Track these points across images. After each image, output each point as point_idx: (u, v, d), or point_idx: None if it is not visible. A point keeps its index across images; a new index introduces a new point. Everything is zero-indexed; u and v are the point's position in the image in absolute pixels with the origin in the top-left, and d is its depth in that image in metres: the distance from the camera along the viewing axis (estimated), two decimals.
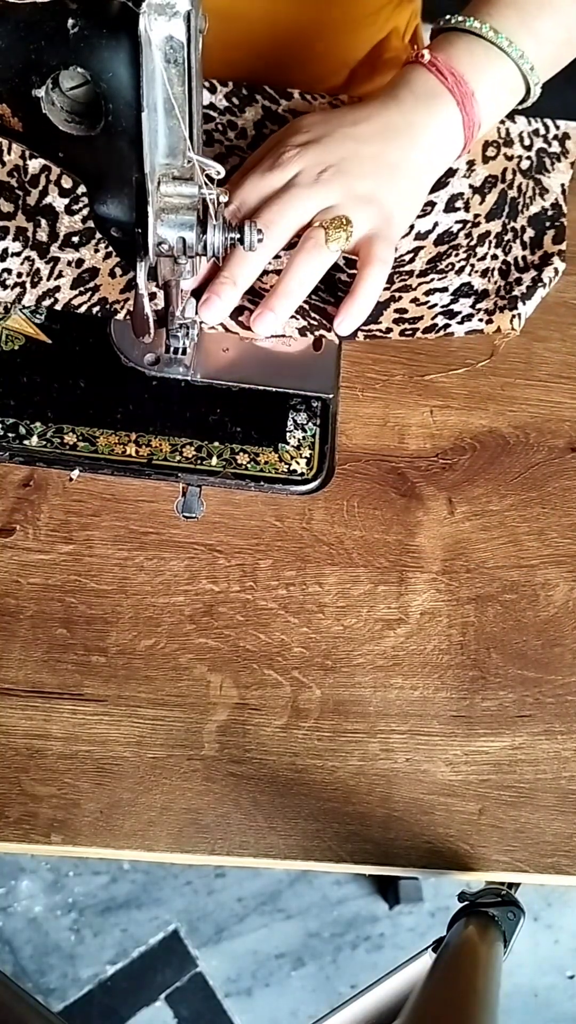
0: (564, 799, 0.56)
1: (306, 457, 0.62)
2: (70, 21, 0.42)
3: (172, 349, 0.61)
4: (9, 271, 0.64)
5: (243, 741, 0.56)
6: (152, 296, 0.56)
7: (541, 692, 0.59)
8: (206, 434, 0.61)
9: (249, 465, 0.61)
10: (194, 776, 0.55)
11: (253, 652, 0.58)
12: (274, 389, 0.63)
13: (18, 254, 0.64)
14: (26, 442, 0.60)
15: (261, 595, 0.59)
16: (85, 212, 0.65)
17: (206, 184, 0.48)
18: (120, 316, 0.63)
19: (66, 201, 0.65)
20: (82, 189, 0.65)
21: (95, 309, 0.63)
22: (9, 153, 0.66)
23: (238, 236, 0.52)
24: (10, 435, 0.60)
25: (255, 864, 0.54)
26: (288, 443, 0.62)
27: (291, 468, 0.61)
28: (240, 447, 0.61)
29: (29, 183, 0.65)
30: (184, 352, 0.61)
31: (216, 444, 0.61)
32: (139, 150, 0.46)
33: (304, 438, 0.62)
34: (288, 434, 0.62)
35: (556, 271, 0.69)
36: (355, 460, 0.63)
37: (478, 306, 0.67)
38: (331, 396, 0.63)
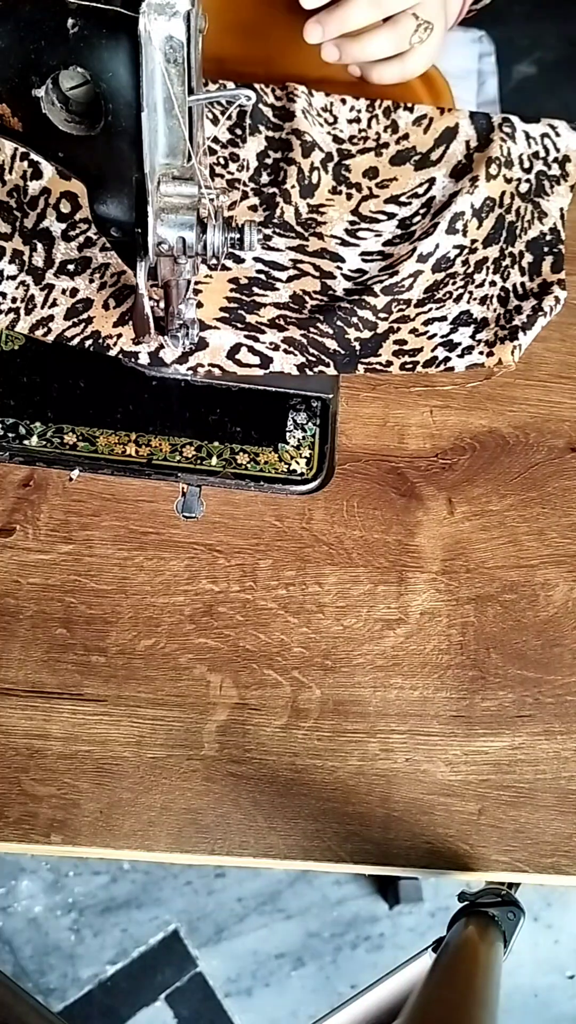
0: (564, 799, 0.56)
1: (306, 457, 0.62)
2: (70, 21, 0.42)
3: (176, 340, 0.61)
4: (4, 295, 0.63)
5: (243, 741, 0.56)
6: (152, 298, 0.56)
7: (541, 692, 0.59)
8: (206, 434, 0.61)
9: (249, 465, 0.61)
10: (194, 776, 0.55)
11: (253, 652, 0.58)
12: (274, 389, 0.63)
13: (13, 277, 0.63)
14: (26, 442, 0.60)
15: (261, 595, 0.59)
16: (82, 240, 0.64)
17: (206, 185, 0.48)
18: (112, 353, 0.62)
19: (63, 226, 0.65)
20: (80, 215, 0.65)
21: (88, 343, 0.62)
22: (10, 172, 0.65)
23: (238, 236, 0.51)
24: (10, 435, 0.60)
25: (255, 864, 0.54)
26: (288, 443, 0.62)
27: (291, 468, 0.61)
28: (240, 447, 0.61)
29: (28, 205, 0.65)
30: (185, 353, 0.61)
31: (216, 444, 0.61)
32: (139, 150, 0.46)
33: (304, 438, 0.62)
34: (288, 434, 0.62)
35: (557, 300, 0.68)
36: (355, 460, 0.63)
37: (478, 336, 0.66)
38: (331, 396, 0.63)
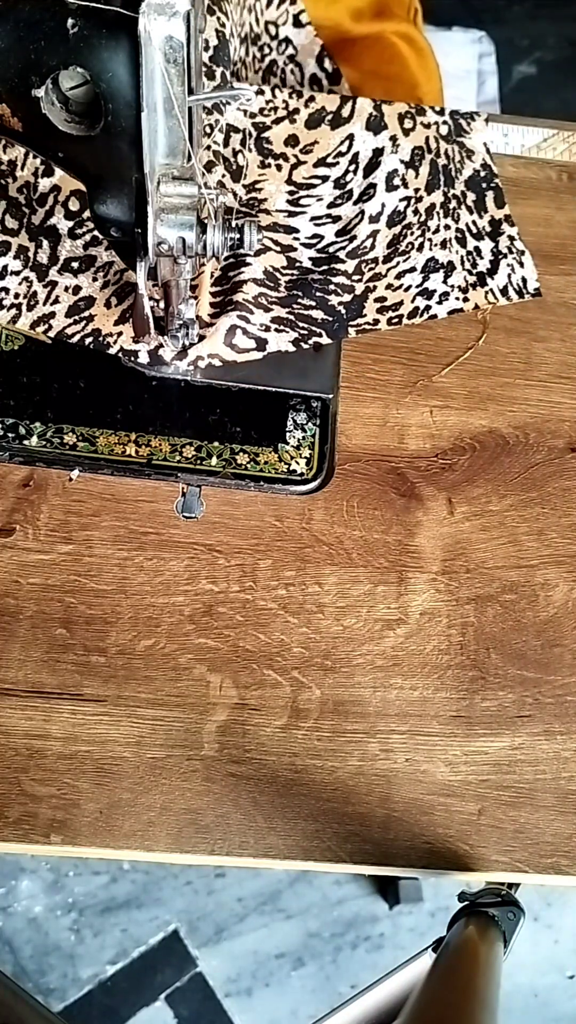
0: (563, 799, 0.56)
1: (306, 457, 0.62)
2: (70, 21, 0.42)
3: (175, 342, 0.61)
4: (7, 290, 0.63)
5: (243, 741, 0.56)
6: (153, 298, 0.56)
7: (540, 692, 0.59)
8: (206, 434, 0.61)
9: (249, 465, 0.61)
10: (194, 776, 0.55)
11: (253, 652, 0.58)
12: (274, 389, 0.63)
13: (17, 273, 0.64)
14: (26, 442, 0.60)
15: (261, 595, 0.59)
16: (88, 238, 0.65)
17: (206, 184, 0.48)
18: (112, 351, 0.62)
19: (70, 224, 0.65)
20: (88, 213, 0.65)
21: (88, 340, 0.62)
22: (21, 169, 0.65)
23: (238, 236, 0.51)
24: (10, 435, 0.60)
25: (255, 864, 0.54)
26: (288, 443, 0.62)
27: (291, 468, 0.61)
28: (240, 447, 0.61)
29: (37, 201, 0.65)
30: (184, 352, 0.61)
31: (216, 444, 0.61)
32: (139, 150, 0.46)
33: (304, 438, 0.62)
34: (288, 434, 0.62)
35: (511, 239, 0.71)
36: (355, 460, 0.63)
37: (449, 282, 0.69)
38: (331, 396, 0.63)
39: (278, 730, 0.56)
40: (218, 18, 0.70)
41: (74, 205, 0.65)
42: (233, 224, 0.52)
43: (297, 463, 0.62)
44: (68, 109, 0.46)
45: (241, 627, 0.58)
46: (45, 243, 0.64)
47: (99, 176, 0.49)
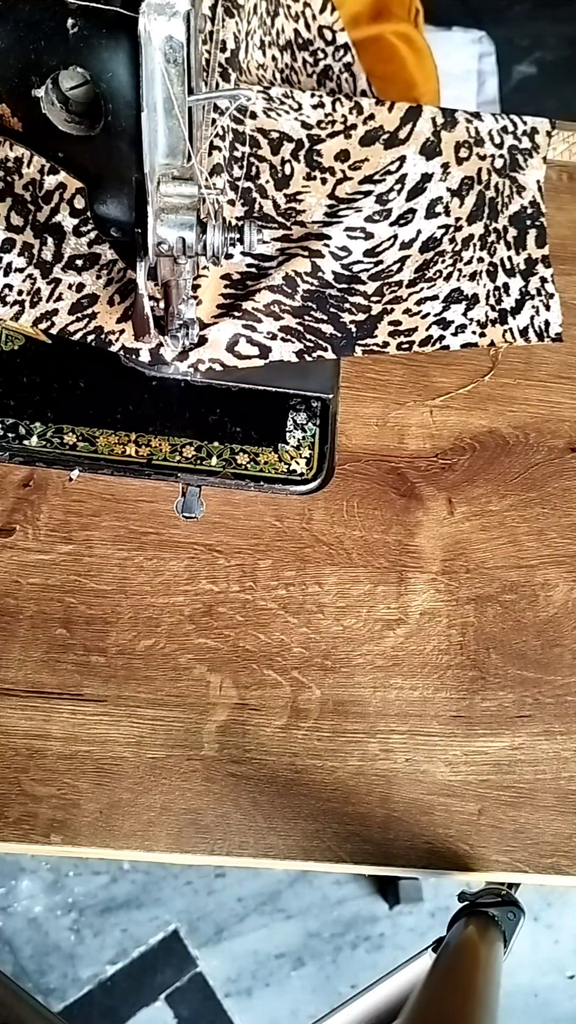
0: (563, 799, 0.56)
1: (306, 457, 0.62)
2: (70, 21, 0.42)
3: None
4: (10, 287, 0.63)
5: (243, 741, 0.56)
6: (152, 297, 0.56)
7: (540, 692, 0.59)
8: (206, 434, 0.61)
9: (249, 465, 0.61)
10: (194, 776, 0.55)
11: (253, 652, 0.58)
12: (274, 389, 0.63)
13: (21, 270, 0.64)
14: (26, 442, 0.60)
15: (261, 595, 0.59)
16: (92, 235, 0.64)
17: (206, 185, 0.48)
18: (114, 349, 0.62)
19: (75, 222, 0.65)
20: None
21: (90, 338, 0.62)
22: (28, 166, 0.65)
23: (238, 236, 0.51)
24: (10, 435, 0.60)
25: (255, 864, 0.54)
26: (288, 443, 0.62)
27: (291, 468, 0.61)
28: (240, 447, 0.61)
29: (43, 199, 0.65)
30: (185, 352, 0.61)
31: (216, 444, 0.61)
32: (139, 150, 0.46)
33: (304, 438, 0.62)
34: (288, 434, 0.62)
35: (543, 280, 0.70)
36: (355, 460, 0.63)
37: (470, 315, 0.67)
38: (331, 396, 0.63)
39: (278, 730, 0.56)
40: (236, 22, 0.70)
41: (79, 203, 0.65)
42: (233, 224, 0.52)
43: (297, 463, 0.62)
44: (68, 109, 0.46)
45: (241, 627, 0.58)
46: (50, 240, 0.64)
47: (99, 176, 0.49)
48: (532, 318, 0.69)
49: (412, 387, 0.66)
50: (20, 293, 0.63)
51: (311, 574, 0.60)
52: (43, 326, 0.62)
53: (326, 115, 0.72)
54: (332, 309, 0.65)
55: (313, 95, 0.73)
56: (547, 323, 0.69)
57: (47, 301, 0.63)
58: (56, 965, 1.34)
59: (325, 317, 0.65)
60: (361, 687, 0.58)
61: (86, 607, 0.58)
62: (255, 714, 0.56)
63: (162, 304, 0.59)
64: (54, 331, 0.62)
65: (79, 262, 0.64)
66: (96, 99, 0.45)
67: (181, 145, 0.46)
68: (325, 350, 0.64)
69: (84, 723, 0.55)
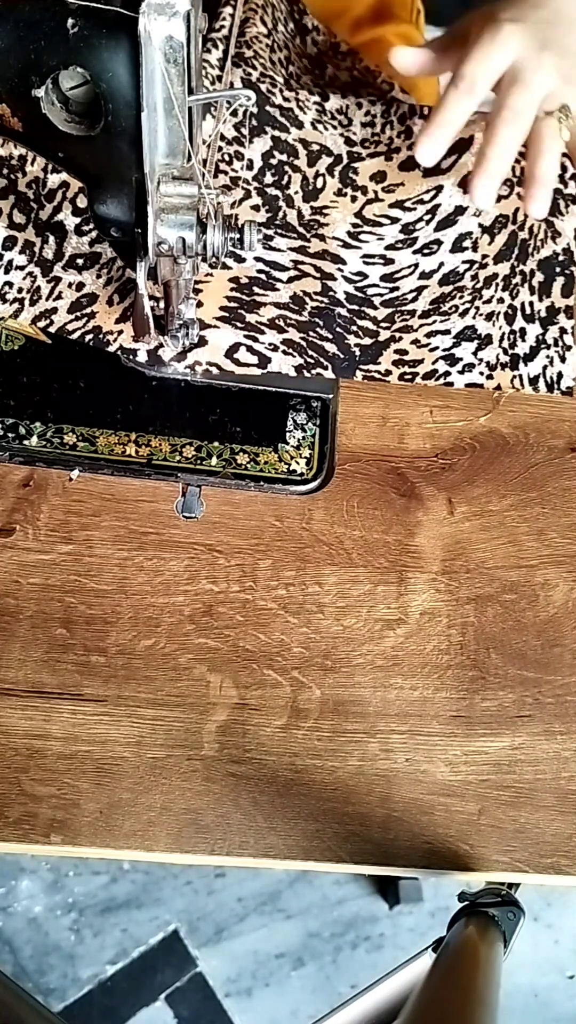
0: (564, 799, 0.56)
1: (306, 457, 0.62)
2: (70, 21, 0.42)
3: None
4: (11, 284, 0.63)
5: (243, 741, 0.56)
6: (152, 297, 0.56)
7: (541, 692, 0.59)
8: (206, 434, 0.61)
9: (249, 465, 0.61)
10: (194, 776, 0.55)
11: (253, 652, 0.58)
12: (274, 389, 0.63)
13: (22, 268, 0.64)
14: (26, 442, 0.60)
15: (261, 595, 0.59)
16: (94, 235, 0.64)
17: (206, 185, 0.48)
18: (112, 348, 0.62)
19: (77, 220, 0.65)
20: None
21: (88, 337, 0.62)
22: (32, 164, 0.65)
23: (238, 236, 0.51)
24: (10, 435, 0.60)
25: (255, 864, 0.54)
26: (288, 443, 0.62)
27: (291, 468, 0.61)
28: (240, 447, 0.61)
29: (45, 197, 0.65)
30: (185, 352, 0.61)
31: (216, 444, 0.61)
32: (139, 150, 0.46)
33: (304, 438, 0.62)
34: (288, 434, 0.62)
35: (563, 331, 0.67)
36: (355, 460, 0.63)
37: (480, 355, 0.66)
38: (331, 396, 0.63)
39: (278, 730, 0.56)
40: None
41: (82, 202, 0.65)
42: (233, 224, 0.52)
43: (297, 463, 0.62)
44: (68, 109, 0.46)
45: (241, 627, 0.58)
46: (52, 239, 0.64)
47: (99, 176, 0.49)
48: (545, 368, 0.66)
49: (412, 387, 0.66)
50: (20, 291, 0.63)
51: (311, 574, 0.60)
52: (42, 324, 0.62)
53: (372, 135, 0.71)
54: (339, 329, 0.64)
55: (367, 114, 0.71)
56: (560, 375, 0.66)
57: (47, 299, 0.63)
58: (56, 965, 1.34)
59: (331, 336, 0.64)
60: (361, 687, 0.58)
61: (86, 607, 0.58)
62: (255, 714, 0.56)
63: (162, 304, 0.59)
64: (52, 329, 0.62)
65: (80, 261, 0.64)
66: (96, 99, 0.45)
67: (181, 145, 0.46)
68: (326, 368, 0.63)
69: (84, 723, 0.55)
